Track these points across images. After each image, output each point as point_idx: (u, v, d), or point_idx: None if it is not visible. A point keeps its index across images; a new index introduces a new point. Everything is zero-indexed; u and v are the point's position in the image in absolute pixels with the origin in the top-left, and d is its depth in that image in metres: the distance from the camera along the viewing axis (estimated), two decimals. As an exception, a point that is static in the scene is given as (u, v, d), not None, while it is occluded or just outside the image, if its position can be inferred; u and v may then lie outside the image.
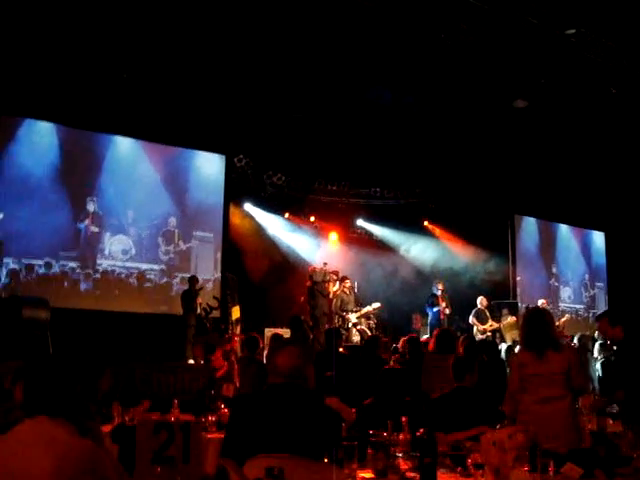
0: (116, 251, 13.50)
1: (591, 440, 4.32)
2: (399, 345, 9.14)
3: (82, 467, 2.41)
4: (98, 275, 13.26)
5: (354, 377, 8.09)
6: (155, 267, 13.90)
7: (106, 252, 13.40)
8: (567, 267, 19.74)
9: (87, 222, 13.16)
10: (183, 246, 14.27)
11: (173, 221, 14.20)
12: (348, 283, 14.35)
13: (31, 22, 10.39)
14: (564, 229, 19.88)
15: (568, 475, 3.30)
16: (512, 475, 3.24)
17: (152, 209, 13.96)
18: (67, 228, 12.98)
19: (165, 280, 13.98)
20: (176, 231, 14.24)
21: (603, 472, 3.37)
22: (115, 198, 13.52)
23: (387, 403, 5.27)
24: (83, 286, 13.07)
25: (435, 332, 9.00)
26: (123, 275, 13.52)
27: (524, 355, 5.04)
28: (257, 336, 9.35)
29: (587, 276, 20.17)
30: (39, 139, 12.73)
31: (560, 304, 18.93)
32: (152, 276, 13.83)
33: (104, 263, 13.35)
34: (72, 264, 12.95)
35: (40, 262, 12.59)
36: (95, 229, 13.25)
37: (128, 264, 13.61)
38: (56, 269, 12.77)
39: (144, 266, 13.77)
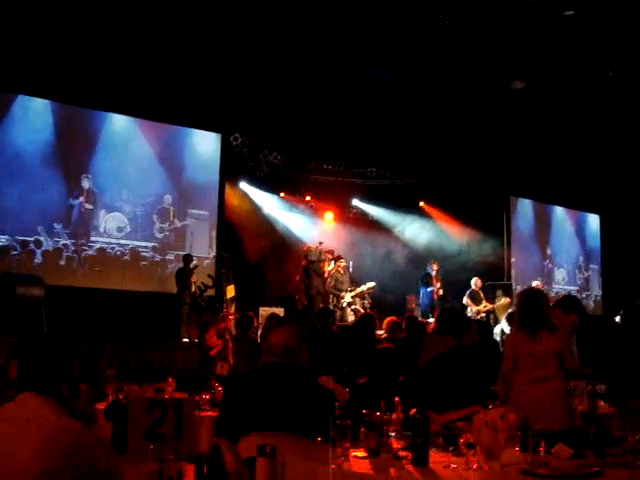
0: (111, 228, 13.44)
1: (582, 421, 4.35)
2: (384, 325, 9.14)
3: (69, 448, 2.39)
4: (92, 252, 13.19)
5: (348, 356, 8.12)
6: (150, 245, 13.87)
7: (101, 229, 13.34)
8: (561, 249, 19.77)
9: (82, 199, 13.10)
10: (178, 224, 14.24)
11: (168, 199, 14.15)
12: (343, 263, 14.36)
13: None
14: (559, 211, 19.90)
15: (558, 455, 3.32)
16: (503, 455, 3.26)
17: (147, 187, 13.90)
18: (61, 205, 12.92)
19: (160, 258, 13.96)
20: (171, 209, 14.20)
21: (593, 452, 3.40)
22: (110, 176, 13.43)
23: (381, 382, 5.30)
24: (77, 263, 13.01)
25: (436, 312, 8.99)
26: (118, 252, 13.50)
27: (518, 335, 5.06)
28: (251, 315, 9.37)
29: (581, 258, 20.22)
30: (33, 116, 12.63)
31: (554, 286, 18.98)
32: (147, 254, 13.80)
33: (99, 240, 13.29)
34: (66, 241, 12.89)
35: (33, 239, 12.51)
36: (89, 206, 13.19)
37: (123, 241, 13.58)
38: (50, 246, 12.70)
39: (139, 243, 13.74)
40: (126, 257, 13.58)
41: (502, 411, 3.51)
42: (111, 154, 13.47)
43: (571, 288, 19.41)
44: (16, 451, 2.39)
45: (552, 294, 17.31)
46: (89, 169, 13.25)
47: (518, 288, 16.09)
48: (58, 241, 12.81)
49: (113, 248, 13.43)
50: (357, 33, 11.42)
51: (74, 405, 2.58)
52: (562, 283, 19.46)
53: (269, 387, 3.71)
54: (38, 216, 12.55)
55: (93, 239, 13.24)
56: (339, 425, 3.47)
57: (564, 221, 20.05)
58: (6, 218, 12.14)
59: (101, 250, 13.29)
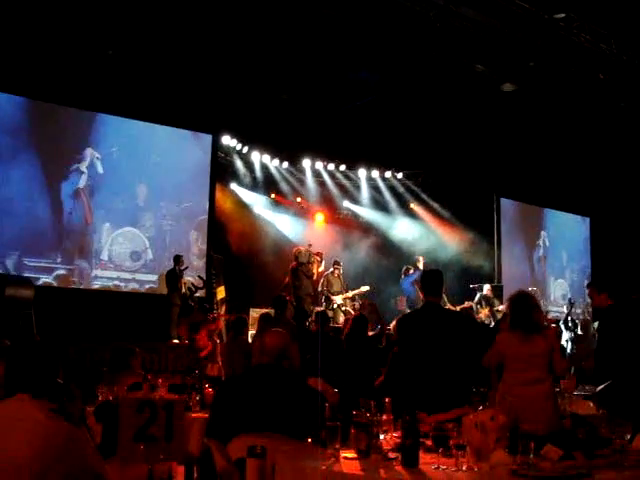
0: (120, 254, 12.68)
1: (571, 422, 4.37)
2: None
3: (60, 449, 2.44)
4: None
5: (340, 358, 8.11)
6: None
7: (104, 256, 12.63)
8: (562, 257, 19.39)
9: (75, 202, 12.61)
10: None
11: (160, 203, 13.87)
12: (337, 271, 14.38)
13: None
14: (551, 214, 19.58)
15: (548, 456, 3.33)
16: (493, 456, 3.27)
17: (147, 191, 13.55)
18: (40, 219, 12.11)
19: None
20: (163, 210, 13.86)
21: (582, 453, 3.41)
22: (104, 183, 12.97)
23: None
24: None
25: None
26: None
27: (508, 336, 5.08)
28: (245, 317, 9.38)
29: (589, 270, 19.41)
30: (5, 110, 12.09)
31: (551, 307, 17.88)
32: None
33: (99, 276, 12.49)
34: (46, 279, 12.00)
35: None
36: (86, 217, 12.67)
37: (139, 276, 12.98)
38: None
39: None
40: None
41: (492, 412, 3.52)
42: (102, 158, 13.03)
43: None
44: (8, 450, 2.42)
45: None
46: (75, 175, 12.56)
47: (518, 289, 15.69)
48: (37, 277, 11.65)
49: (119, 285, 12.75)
50: (346, 33, 11.41)
51: (67, 407, 2.63)
52: (562, 302, 18.05)
53: (260, 389, 3.72)
54: (12, 237, 11.53)
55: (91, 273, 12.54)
56: (329, 426, 3.47)
57: (559, 225, 19.66)
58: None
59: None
